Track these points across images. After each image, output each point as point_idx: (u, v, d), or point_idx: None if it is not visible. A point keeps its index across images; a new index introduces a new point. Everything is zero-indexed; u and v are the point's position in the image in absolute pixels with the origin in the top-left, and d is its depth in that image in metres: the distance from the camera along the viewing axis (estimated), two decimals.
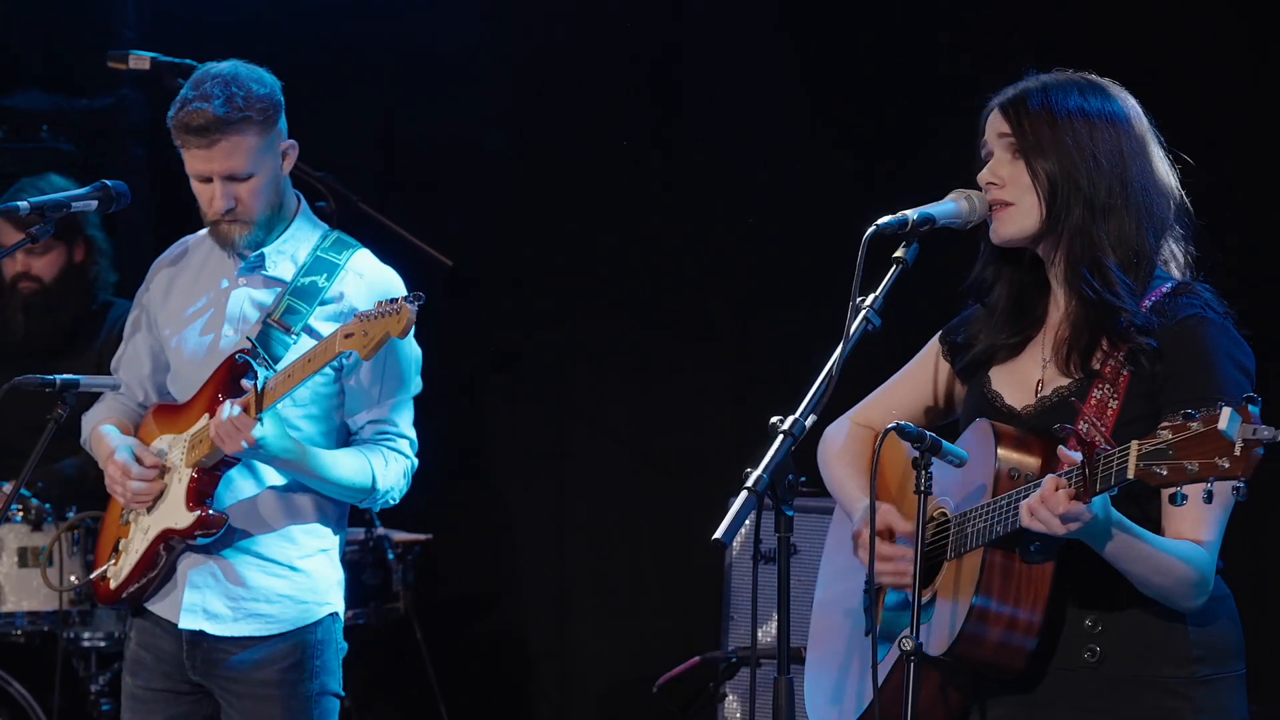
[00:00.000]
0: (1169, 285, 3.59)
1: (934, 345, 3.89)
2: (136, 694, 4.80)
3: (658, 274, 7.37)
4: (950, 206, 3.61)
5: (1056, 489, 3.29)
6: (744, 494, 3.32)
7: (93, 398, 4.97)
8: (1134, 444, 3.18)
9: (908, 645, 3.41)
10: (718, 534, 3.27)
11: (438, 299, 7.17)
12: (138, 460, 4.68)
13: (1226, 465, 3.09)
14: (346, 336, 4.35)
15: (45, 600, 6.17)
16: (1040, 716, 3.58)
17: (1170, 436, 3.14)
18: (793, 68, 7.12)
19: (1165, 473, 3.14)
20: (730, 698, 6.29)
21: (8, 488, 6.07)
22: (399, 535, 6.96)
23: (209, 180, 4.61)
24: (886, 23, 6.88)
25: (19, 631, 6.33)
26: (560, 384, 7.66)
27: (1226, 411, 3.08)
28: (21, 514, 6.14)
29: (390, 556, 6.86)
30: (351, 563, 6.72)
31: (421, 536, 7.04)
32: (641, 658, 7.17)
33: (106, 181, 4.78)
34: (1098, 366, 3.56)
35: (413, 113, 7.62)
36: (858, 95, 6.93)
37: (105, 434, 4.80)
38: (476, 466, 7.86)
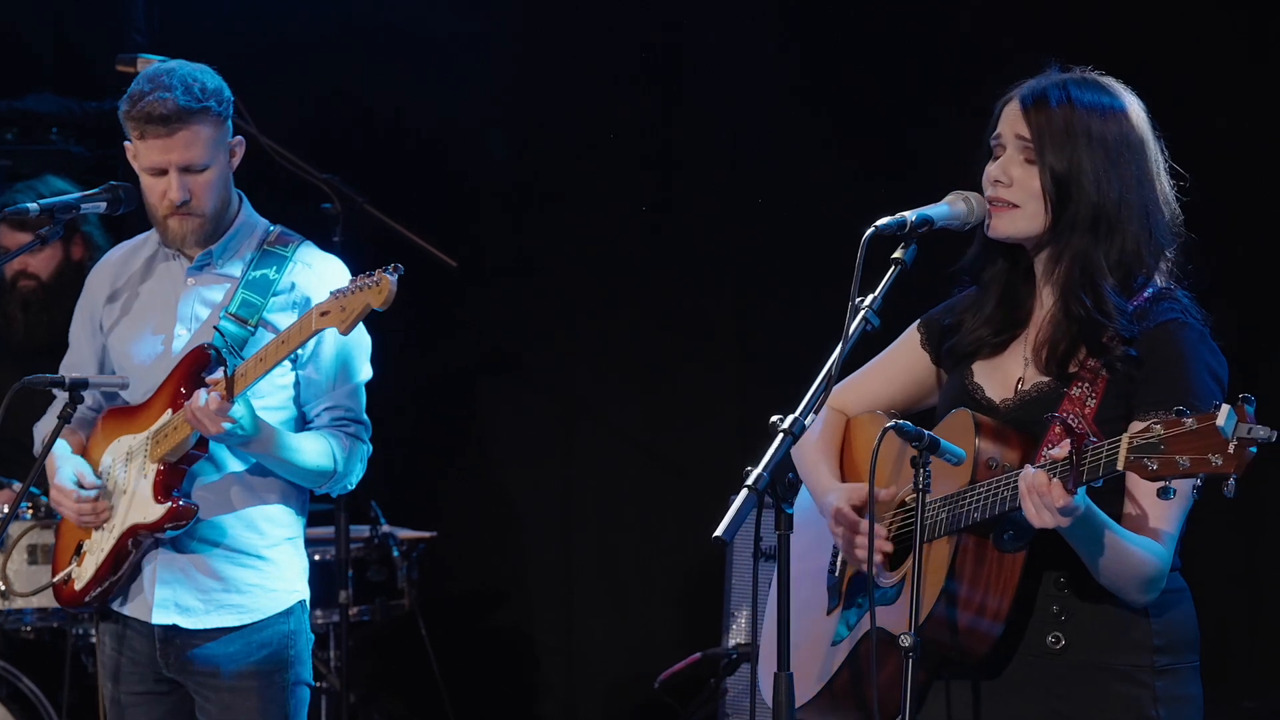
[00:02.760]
0: (1151, 290, 3.63)
1: (912, 334, 3.91)
2: (119, 699, 4.82)
3: (660, 273, 7.40)
4: (948, 208, 3.62)
5: (1048, 481, 3.32)
6: (744, 492, 3.34)
7: (43, 406, 4.97)
8: (1124, 437, 3.23)
9: (906, 642, 3.43)
10: (718, 532, 3.29)
11: (443, 298, 7.27)
12: (79, 484, 4.71)
13: (1219, 462, 3.13)
14: (323, 314, 4.38)
15: (53, 597, 6.19)
16: (1005, 700, 3.63)
17: (1162, 432, 3.18)
18: (794, 68, 7.14)
19: (1155, 467, 3.18)
20: (730, 693, 6.32)
21: (17, 486, 6.12)
22: (404, 533, 6.98)
23: (163, 173, 4.63)
24: (885, 23, 6.91)
25: (28, 628, 6.36)
26: (564, 382, 7.69)
27: (1225, 409, 3.12)
28: (31, 511, 6.17)
29: (395, 553, 6.88)
30: (357, 560, 6.77)
31: (426, 534, 7.07)
32: (644, 653, 7.20)
33: (115, 182, 4.83)
34: (1075, 370, 3.60)
35: (417, 113, 7.64)
36: (858, 96, 6.96)
37: (55, 449, 4.78)
38: (481, 464, 7.89)
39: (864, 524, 3.68)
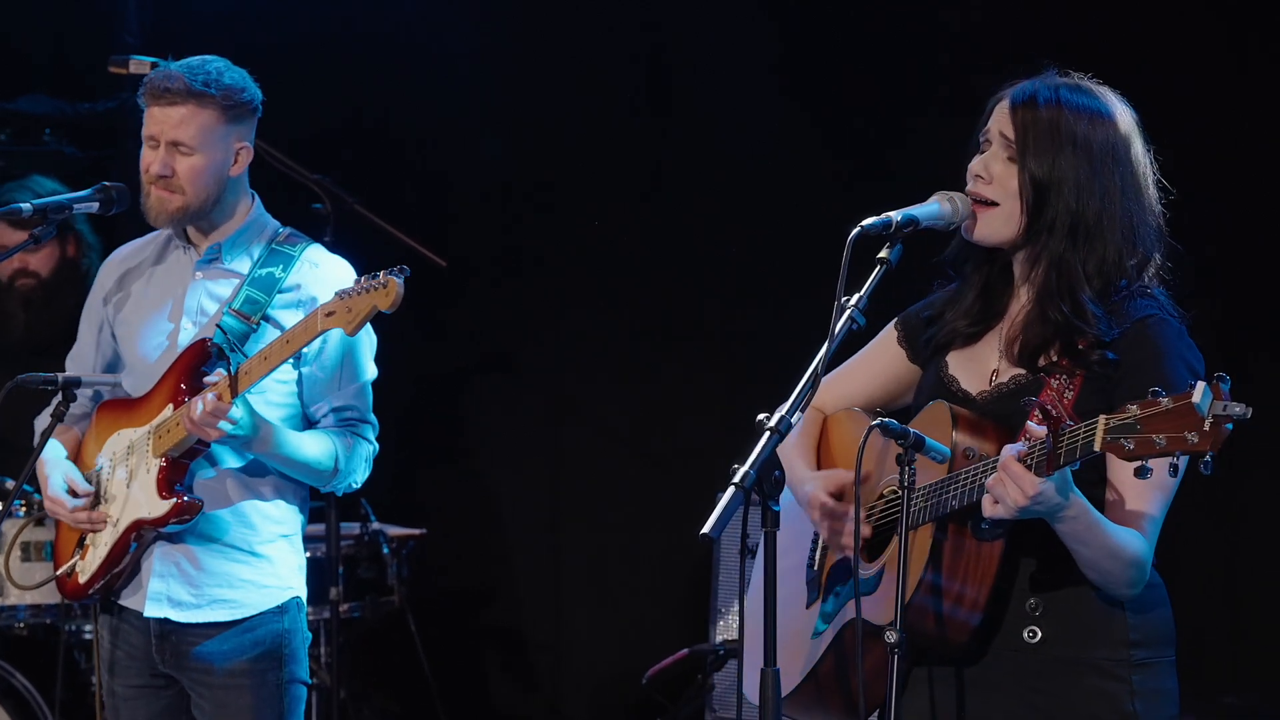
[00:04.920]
0: (1124, 284, 3.66)
1: (890, 332, 3.95)
2: (118, 692, 4.85)
3: (649, 272, 7.42)
4: (934, 208, 3.65)
5: (1020, 463, 3.36)
6: (731, 490, 3.38)
7: (43, 402, 5.01)
8: (1101, 418, 3.26)
9: (892, 638, 3.47)
10: (705, 529, 3.32)
11: (433, 298, 7.30)
12: (71, 491, 4.76)
13: (1195, 440, 3.16)
14: (329, 315, 4.42)
15: (47, 593, 6.21)
16: (984, 695, 3.65)
17: (1138, 412, 3.22)
18: (780, 70, 7.17)
19: (1132, 446, 3.22)
20: (718, 689, 6.35)
21: (11, 484, 6.14)
22: (394, 530, 7.01)
23: (156, 146, 4.70)
24: (880, 24, 6.92)
25: (22, 624, 6.39)
26: (554, 380, 7.71)
27: (1200, 386, 3.16)
28: (25, 509, 6.19)
29: (385, 551, 6.91)
30: (347, 557, 6.80)
31: (416, 531, 7.09)
32: (632, 650, 7.23)
33: (107, 183, 4.87)
34: (1046, 364, 3.64)
35: (407, 114, 7.67)
36: (844, 96, 6.99)
37: (45, 452, 4.82)
38: (471, 462, 7.92)
39: (844, 510, 3.73)
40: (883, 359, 3.95)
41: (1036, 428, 3.38)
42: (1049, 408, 3.35)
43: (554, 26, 7.47)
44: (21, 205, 4.85)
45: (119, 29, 7.54)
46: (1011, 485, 3.37)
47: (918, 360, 3.92)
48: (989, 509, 3.43)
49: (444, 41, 7.56)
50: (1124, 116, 3.70)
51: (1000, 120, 3.69)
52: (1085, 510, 3.45)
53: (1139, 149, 3.70)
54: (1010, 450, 3.39)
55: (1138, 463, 3.23)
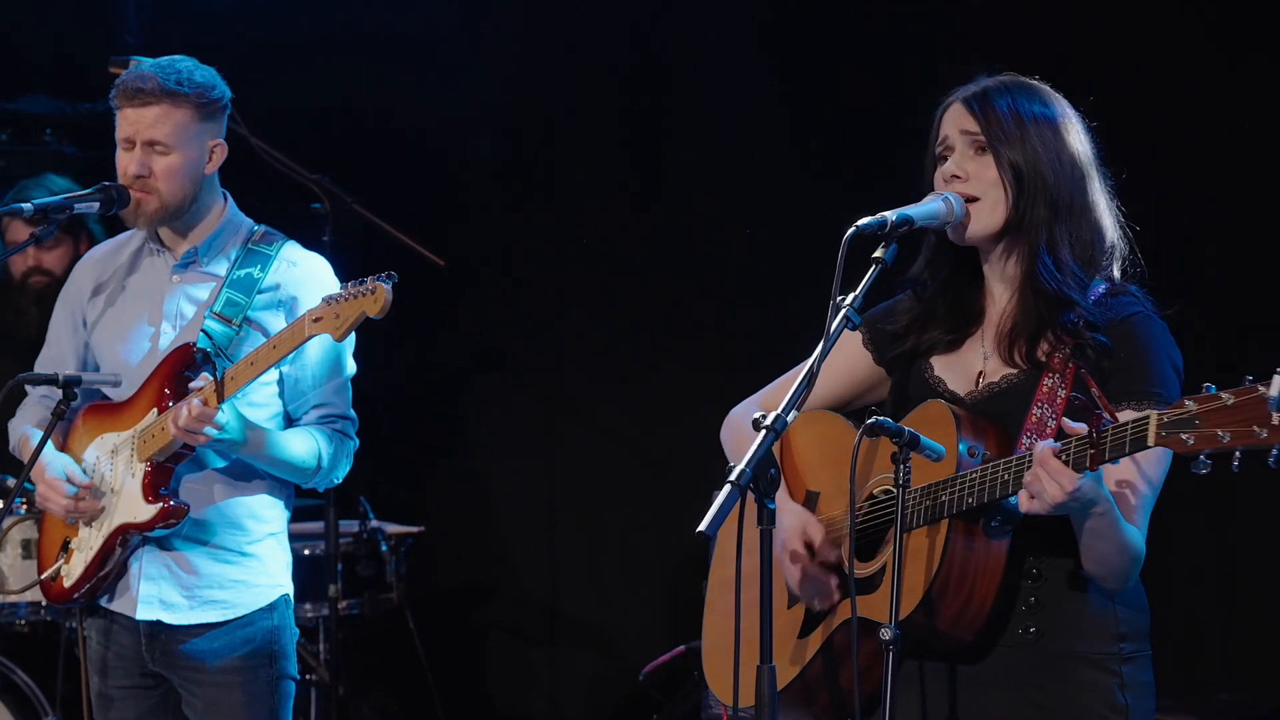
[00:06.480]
0: (1104, 286, 3.71)
1: (853, 333, 3.88)
2: (106, 693, 4.85)
3: (649, 272, 7.44)
4: (928, 208, 3.67)
5: (1057, 459, 3.37)
6: (727, 488, 3.37)
7: (16, 405, 5.03)
8: (1152, 413, 3.27)
9: (887, 635, 3.47)
10: (702, 527, 3.32)
11: (431, 296, 7.32)
12: (69, 480, 4.75)
13: (1265, 434, 3.17)
14: (316, 320, 4.43)
15: (42, 593, 6.22)
16: (980, 690, 3.67)
17: (1195, 407, 3.22)
18: (780, 70, 7.19)
19: (1192, 441, 3.22)
20: None
21: (12, 482, 6.16)
22: (392, 528, 7.04)
23: (132, 147, 4.72)
24: (866, 25, 6.94)
25: (22, 621, 6.42)
26: (551, 379, 7.73)
27: (1275, 381, 3.15)
28: (25, 507, 6.21)
29: (384, 549, 6.94)
30: (346, 555, 6.82)
31: (414, 529, 7.12)
32: (629, 646, 7.25)
33: (108, 183, 4.89)
34: (1043, 358, 3.66)
35: (407, 113, 7.69)
36: (844, 96, 7.00)
37: (36, 444, 4.81)
38: (468, 460, 7.93)
39: (816, 573, 3.72)
40: (845, 360, 3.92)
41: (1074, 424, 3.39)
42: (1094, 404, 3.35)
43: (553, 26, 7.49)
44: (24, 205, 4.87)
45: (119, 29, 7.56)
46: (1049, 481, 3.38)
47: (884, 363, 3.92)
48: (1025, 504, 3.43)
49: (444, 41, 7.58)
50: (1069, 108, 3.76)
51: (957, 121, 3.73)
52: (1111, 506, 3.48)
53: (1088, 141, 3.76)
54: (1045, 446, 3.41)
55: (1195, 457, 3.22)
